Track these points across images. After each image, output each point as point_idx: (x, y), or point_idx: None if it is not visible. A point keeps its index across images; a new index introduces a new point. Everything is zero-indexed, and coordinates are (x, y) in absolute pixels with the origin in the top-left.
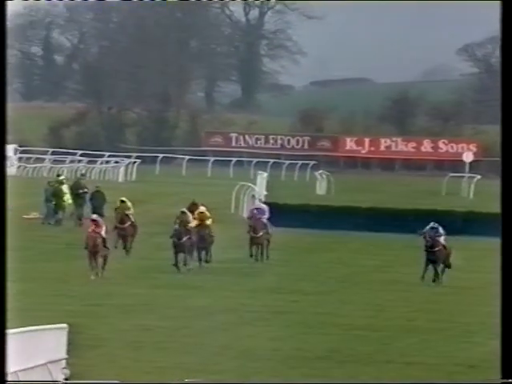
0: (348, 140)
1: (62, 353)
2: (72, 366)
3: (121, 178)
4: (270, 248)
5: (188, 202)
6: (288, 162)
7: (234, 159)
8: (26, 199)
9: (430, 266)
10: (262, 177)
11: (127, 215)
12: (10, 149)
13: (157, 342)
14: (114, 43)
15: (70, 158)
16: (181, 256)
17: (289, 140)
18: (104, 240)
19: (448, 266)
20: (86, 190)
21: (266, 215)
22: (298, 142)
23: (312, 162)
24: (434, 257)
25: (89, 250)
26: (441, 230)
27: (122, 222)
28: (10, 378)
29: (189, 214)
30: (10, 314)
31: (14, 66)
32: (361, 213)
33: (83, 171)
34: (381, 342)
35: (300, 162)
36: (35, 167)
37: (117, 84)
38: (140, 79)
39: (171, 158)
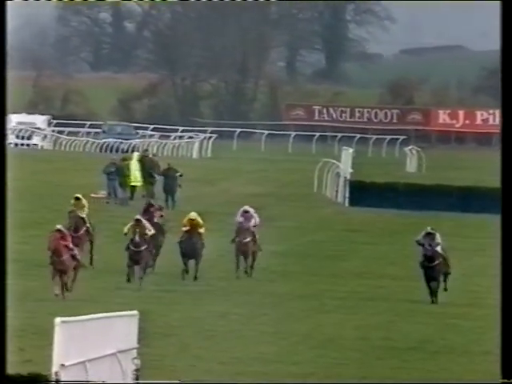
0: (441, 113)
1: (133, 342)
2: (143, 355)
3: (195, 155)
4: (348, 230)
5: (268, 181)
6: (375, 136)
7: (317, 134)
8: (97, 177)
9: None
10: (347, 153)
11: (81, 218)
12: (42, 120)
13: (231, 331)
14: (188, 9)
15: (140, 132)
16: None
17: (376, 113)
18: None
19: (446, 275)
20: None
21: (253, 222)
22: (386, 115)
23: (401, 137)
24: (434, 273)
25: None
26: (438, 236)
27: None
28: (74, 370)
29: (145, 222)
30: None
31: (82, 33)
32: (454, 192)
33: (155, 147)
34: (475, 332)
35: (388, 136)
36: (104, 142)
37: (191, 53)
38: (216, 48)
39: (249, 132)
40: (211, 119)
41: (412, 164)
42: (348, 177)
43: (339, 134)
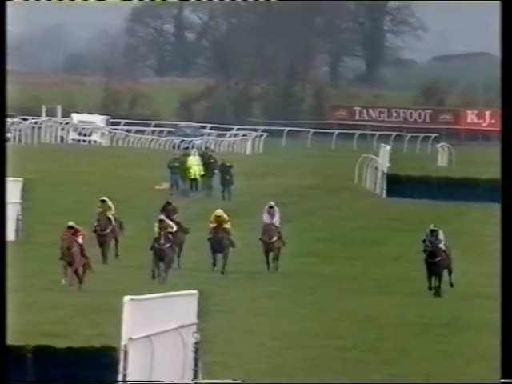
0: (469, 113)
1: (193, 318)
2: (201, 330)
3: (248, 151)
4: (385, 218)
5: (314, 174)
6: (410, 134)
7: (358, 132)
8: (160, 171)
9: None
10: (385, 149)
11: (109, 218)
12: (100, 119)
13: (282, 308)
14: (242, 21)
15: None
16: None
17: (411, 113)
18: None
19: (450, 271)
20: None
21: (277, 217)
22: (420, 115)
23: (433, 135)
24: (436, 268)
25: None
26: (441, 234)
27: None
28: (141, 343)
29: (168, 221)
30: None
31: (148, 42)
32: (481, 184)
33: (212, 144)
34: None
35: (422, 134)
36: (167, 140)
37: (244, 60)
38: (266, 55)
39: (297, 131)
40: (262, 119)
41: (443, 159)
42: (385, 170)
43: (377, 133)
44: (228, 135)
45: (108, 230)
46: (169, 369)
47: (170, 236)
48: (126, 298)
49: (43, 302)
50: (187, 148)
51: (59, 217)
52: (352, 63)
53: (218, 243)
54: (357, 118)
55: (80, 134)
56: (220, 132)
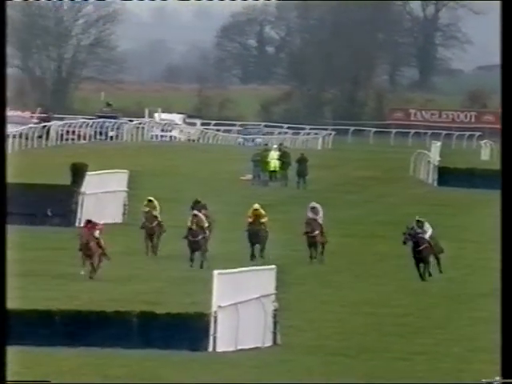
0: None
1: (272, 289)
2: (280, 300)
3: (319, 147)
4: (436, 204)
5: (375, 167)
6: (457, 133)
7: (413, 131)
8: (245, 164)
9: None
10: (436, 146)
11: (155, 216)
12: (179, 118)
13: (348, 281)
14: (314, 36)
15: (277, 130)
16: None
17: (458, 115)
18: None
19: (441, 251)
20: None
21: (320, 215)
22: (466, 116)
23: (478, 133)
24: (421, 255)
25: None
26: (427, 225)
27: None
28: (228, 310)
29: (201, 216)
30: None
31: (234, 55)
32: None
33: (289, 141)
34: None
35: (468, 133)
36: (250, 138)
37: (316, 69)
38: (335, 65)
39: (360, 130)
40: (331, 120)
41: (486, 153)
42: (436, 164)
43: (430, 131)
44: (302, 133)
45: (154, 224)
46: (252, 332)
47: (202, 229)
48: (215, 272)
49: (143, 274)
50: (266, 144)
51: (159, 203)
52: (408, 72)
53: (255, 236)
54: (412, 118)
55: (163, 130)
56: (295, 131)
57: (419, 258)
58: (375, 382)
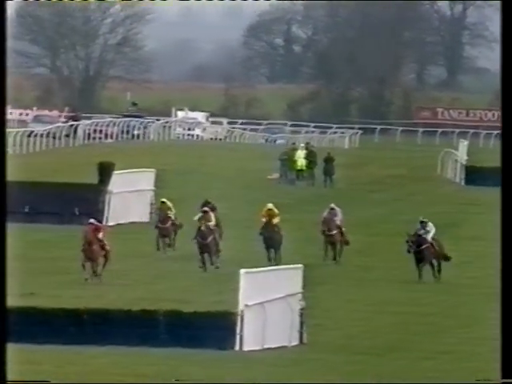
0: None
1: (298, 288)
2: (306, 298)
3: (346, 146)
4: (464, 203)
5: (402, 165)
6: (485, 132)
7: (440, 130)
8: (272, 162)
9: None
10: (463, 144)
11: (168, 216)
12: (201, 116)
13: (376, 279)
14: (341, 35)
15: (304, 129)
16: (206, 256)
17: (486, 113)
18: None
19: (447, 259)
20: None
21: (339, 216)
22: (493, 115)
23: None
24: (422, 256)
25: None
26: (430, 225)
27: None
28: (255, 309)
29: (211, 214)
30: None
31: (261, 54)
32: None
33: (316, 140)
34: None
35: (495, 132)
36: (278, 137)
37: (342, 68)
38: (362, 64)
39: (387, 129)
40: (358, 119)
41: None
42: (464, 162)
43: (457, 130)
44: (329, 132)
45: (168, 225)
46: (278, 330)
47: (210, 229)
48: (242, 271)
49: (173, 272)
50: (294, 143)
51: (185, 201)
52: (435, 71)
53: (270, 239)
54: (439, 117)
55: (184, 128)
56: (322, 130)
57: (420, 257)
58: (401, 382)
